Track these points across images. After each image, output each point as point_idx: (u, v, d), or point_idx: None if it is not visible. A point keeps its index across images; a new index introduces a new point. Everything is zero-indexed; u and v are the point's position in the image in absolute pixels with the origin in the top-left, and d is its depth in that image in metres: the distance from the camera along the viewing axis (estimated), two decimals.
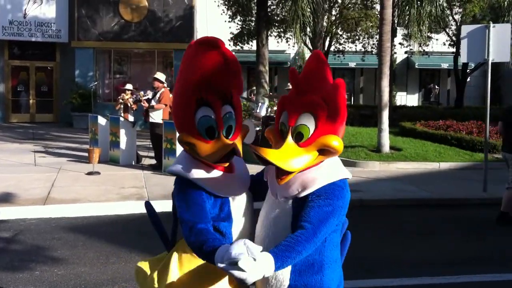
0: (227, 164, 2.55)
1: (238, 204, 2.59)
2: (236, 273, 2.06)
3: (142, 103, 12.26)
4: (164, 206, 8.00)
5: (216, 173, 2.55)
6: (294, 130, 2.40)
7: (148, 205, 2.85)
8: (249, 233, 2.61)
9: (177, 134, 9.52)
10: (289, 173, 2.36)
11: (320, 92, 2.39)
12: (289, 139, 2.39)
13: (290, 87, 12.87)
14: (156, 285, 2.57)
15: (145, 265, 2.73)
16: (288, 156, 2.34)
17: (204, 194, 2.49)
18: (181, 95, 2.54)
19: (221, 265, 2.11)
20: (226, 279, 2.53)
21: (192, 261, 2.53)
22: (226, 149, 2.47)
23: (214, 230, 2.43)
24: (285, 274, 2.42)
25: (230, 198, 2.56)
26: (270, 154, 2.31)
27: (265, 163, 2.40)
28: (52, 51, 24.54)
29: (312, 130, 2.38)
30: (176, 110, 2.59)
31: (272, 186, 2.54)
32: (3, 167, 11.72)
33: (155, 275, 2.60)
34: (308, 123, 2.38)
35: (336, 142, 2.37)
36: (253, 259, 2.08)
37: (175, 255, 2.57)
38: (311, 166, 2.41)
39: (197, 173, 2.52)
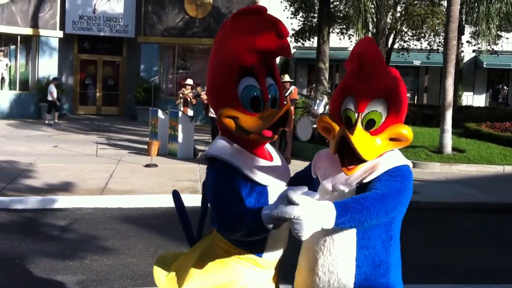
0: (275, 137, 2.38)
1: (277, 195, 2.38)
2: (289, 209, 1.84)
3: (201, 97, 12.35)
4: None
5: (256, 159, 2.41)
6: (365, 116, 2.29)
7: (175, 194, 2.71)
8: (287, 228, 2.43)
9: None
10: (359, 162, 2.26)
11: (391, 77, 2.32)
12: (359, 125, 2.28)
13: None
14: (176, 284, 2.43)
15: (162, 262, 2.58)
16: (366, 144, 2.24)
17: (240, 181, 2.31)
18: (220, 66, 2.38)
19: (271, 212, 1.92)
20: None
21: (217, 260, 2.40)
22: (276, 114, 2.28)
23: None
24: (349, 276, 2.29)
25: (269, 188, 2.38)
26: (355, 141, 2.20)
27: (340, 149, 2.27)
28: (119, 45, 25.23)
29: (384, 117, 2.30)
30: (214, 84, 2.42)
31: (330, 179, 2.39)
32: (66, 157, 12.14)
33: (174, 273, 2.47)
34: (381, 109, 2.29)
35: (406, 131, 2.30)
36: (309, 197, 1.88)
37: (198, 251, 2.47)
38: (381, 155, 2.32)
39: (237, 157, 2.35)
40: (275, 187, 2.39)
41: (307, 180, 2.53)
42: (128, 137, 16.72)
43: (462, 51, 23.32)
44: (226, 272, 2.37)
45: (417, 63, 27.80)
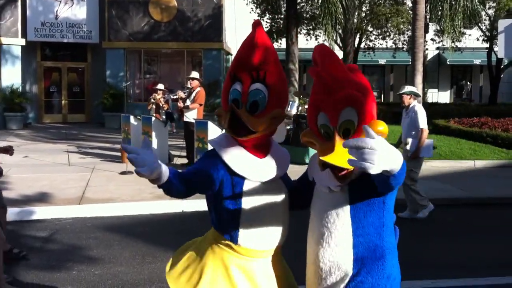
0: (244, 139, 2.62)
1: (257, 189, 2.64)
2: (366, 139, 1.87)
3: (178, 102, 12.18)
4: (197, 205, 8.04)
5: (243, 152, 2.67)
6: (340, 128, 2.40)
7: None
8: (271, 221, 2.67)
9: (209, 133, 9.33)
10: (348, 169, 2.38)
11: (350, 83, 2.42)
12: (338, 139, 2.39)
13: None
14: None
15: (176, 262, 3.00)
16: (347, 154, 2.32)
17: (219, 165, 2.61)
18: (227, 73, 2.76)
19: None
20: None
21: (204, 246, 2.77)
22: (227, 116, 2.59)
23: (221, 208, 2.66)
24: (348, 263, 2.47)
25: (246, 180, 2.62)
26: (334, 159, 2.33)
27: (327, 167, 2.42)
28: (84, 52, 24.85)
29: (357, 122, 2.41)
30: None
31: (324, 181, 2.53)
32: (38, 167, 11.89)
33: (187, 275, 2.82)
34: (352, 117, 2.40)
35: (381, 127, 2.41)
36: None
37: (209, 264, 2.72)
38: None
39: (227, 149, 2.66)
40: (252, 182, 2.64)
41: (308, 181, 2.72)
42: (99, 144, 16.47)
43: (427, 49, 23.77)
44: (210, 255, 2.72)
45: (382, 62, 28.25)
